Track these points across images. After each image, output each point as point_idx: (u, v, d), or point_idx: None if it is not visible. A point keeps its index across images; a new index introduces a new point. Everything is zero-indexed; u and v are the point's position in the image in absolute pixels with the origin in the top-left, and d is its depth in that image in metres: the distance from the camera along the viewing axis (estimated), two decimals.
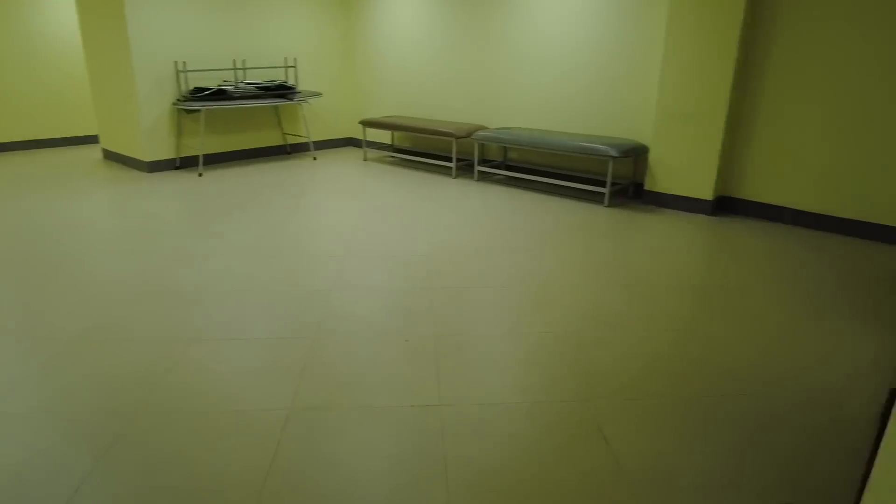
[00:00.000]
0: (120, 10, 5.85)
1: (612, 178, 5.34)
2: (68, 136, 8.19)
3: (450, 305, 3.00)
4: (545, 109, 5.92)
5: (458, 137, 6.02)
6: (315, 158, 7.29)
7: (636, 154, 4.98)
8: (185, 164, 6.58)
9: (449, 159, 6.68)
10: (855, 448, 1.91)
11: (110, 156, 7.07)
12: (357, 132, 8.23)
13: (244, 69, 6.80)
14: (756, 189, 4.68)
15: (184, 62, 6.31)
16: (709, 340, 2.65)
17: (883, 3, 3.84)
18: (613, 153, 4.79)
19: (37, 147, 7.93)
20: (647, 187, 5.09)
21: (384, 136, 7.78)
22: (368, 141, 7.95)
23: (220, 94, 6.20)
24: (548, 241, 4.09)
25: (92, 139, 8.43)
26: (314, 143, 7.80)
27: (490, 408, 2.12)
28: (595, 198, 5.32)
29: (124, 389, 2.23)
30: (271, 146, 7.41)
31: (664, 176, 4.95)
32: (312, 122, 7.75)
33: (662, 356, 2.51)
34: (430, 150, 7.20)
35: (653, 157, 4.97)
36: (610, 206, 5.06)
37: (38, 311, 2.92)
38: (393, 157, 7.40)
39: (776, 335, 2.71)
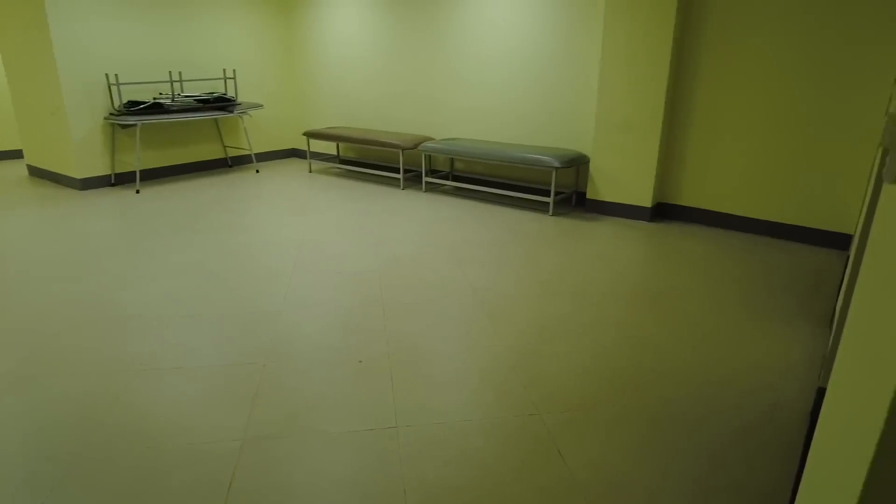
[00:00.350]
0: (42, 18, 5.56)
1: (556, 188, 5.49)
2: None
3: (402, 321, 3.01)
4: (490, 120, 6.02)
5: (404, 149, 6.04)
6: (258, 171, 7.14)
7: (578, 164, 5.14)
8: (120, 180, 6.31)
9: (396, 170, 6.68)
10: (792, 446, 2.04)
11: (37, 172, 6.70)
12: (301, 143, 8.11)
13: (181, 81, 6.59)
14: (691, 195, 4.92)
15: (115, 74, 6.06)
16: (652, 346, 2.77)
17: (797, 22, 4.12)
18: (556, 164, 4.93)
19: None
20: (589, 196, 5.25)
21: (329, 147, 7.71)
22: (313, 152, 7.85)
23: (156, 108, 5.99)
24: (496, 251, 4.16)
25: (15, 154, 7.96)
26: (256, 155, 7.64)
27: (446, 427, 2.15)
28: (540, 207, 5.45)
29: (65, 426, 2.13)
30: (212, 159, 7.20)
31: (605, 185, 5.12)
32: (254, 133, 7.60)
33: (610, 365, 2.60)
34: (376, 160, 7.19)
35: (593, 166, 5.14)
36: (554, 214, 5.20)
37: None
38: (339, 168, 7.34)
39: (713, 337, 2.86)
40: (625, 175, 4.99)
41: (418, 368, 2.56)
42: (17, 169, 7.19)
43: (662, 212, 5.11)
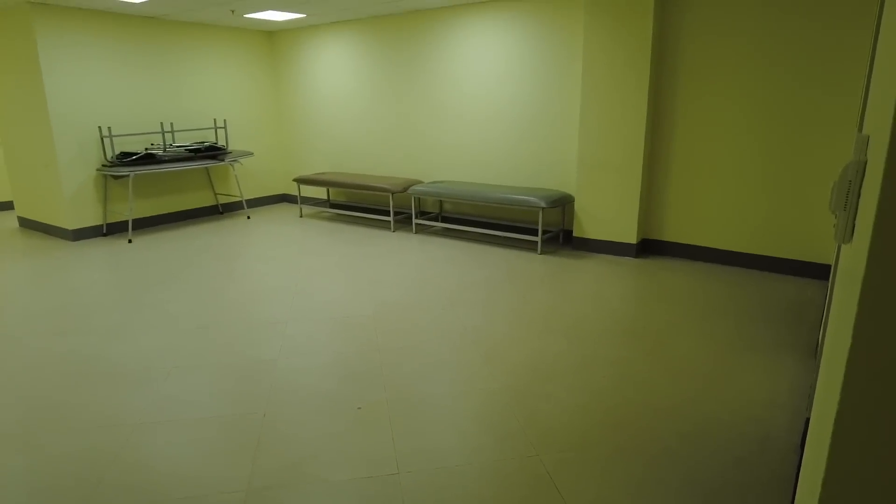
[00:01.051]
0: (36, 72, 5.69)
1: (543, 227, 5.62)
2: None
3: (398, 367, 3.06)
4: (476, 162, 6.19)
5: (394, 192, 6.17)
6: (249, 217, 7.22)
7: (563, 203, 5.28)
8: (112, 230, 6.35)
9: (386, 213, 6.79)
10: (784, 478, 2.10)
11: (28, 224, 6.72)
12: (291, 188, 8.23)
13: (172, 132, 6.72)
14: (675, 230, 5.06)
15: (108, 127, 6.17)
16: (644, 383, 2.84)
17: (768, 63, 4.36)
18: (542, 204, 5.07)
19: None
20: (575, 234, 5.39)
21: (319, 192, 7.83)
22: (303, 197, 7.96)
23: (148, 158, 6.09)
24: (487, 291, 4.24)
25: (6, 205, 7.99)
26: (248, 201, 7.74)
27: (446, 471, 2.18)
28: (529, 246, 5.57)
29: (64, 488, 2.13)
30: (203, 207, 7.28)
31: (590, 223, 5.26)
32: (245, 180, 7.71)
33: (604, 403, 2.66)
34: (366, 204, 7.30)
35: (578, 205, 5.29)
36: (543, 253, 5.31)
37: None
38: (329, 212, 7.44)
39: (703, 372, 2.93)
40: (609, 213, 5.14)
41: (416, 413, 2.59)
42: (8, 221, 7.21)
43: (648, 247, 5.24)
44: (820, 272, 4.43)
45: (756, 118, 4.47)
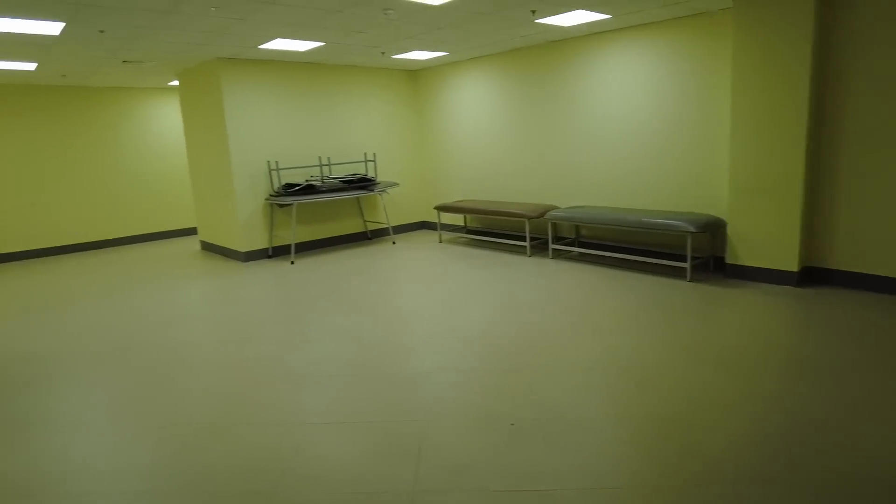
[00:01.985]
0: (220, 115, 6.60)
1: (693, 252, 5.37)
2: (170, 229, 9.04)
3: (547, 388, 3.10)
4: (615, 186, 6.10)
5: (530, 217, 6.26)
6: (394, 242, 7.70)
7: (713, 228, 5.03)
8: (276, 252, 7.11)
9: (521, 238, 6.90)
10: None
11: (208, 247, 7.73)
12: (430, 215, 8.65)
13: (329, 165, 7.42)
14: (844, 257, 4.59)
15: (276, 161, 6.96)
16: (811, 419, 2.61)
17: None
18: (691, 228, 4.86)
19: (142, 241, 8.77)
20: (729, 261, 5.08)
21: (457, 219, 8.14)
22: (443, 224, 8.33)
23: (309, 189, 6.76)
24: (632, 319, 4.15)
25: (190, 231, 9.25)
26: (392, 227, 8.26)
27: (607, 492, 2.17)
28: (675, 273, 5.35)
29: (259, 471, 2.43)
30: (354, 233, 7.90)
31: (745, 249, 4.94)
32: (390, 208, 8.25)
33: (773, 438, 2.49)
34: (502, 229, 7.47)
35: (731, 230, 5.00)
36: (692, 280, 5.07)
37: (166, 397, 3.23)
38: (466, 237, 7.71)
39: (882, 411, 2.63)
40: (766, 238, 4.80)
41: (570, 433, 2.61)
42: (193, 244, 8.34)
43: (811, 276, 4.80)
44: None
45: None
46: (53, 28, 4.55)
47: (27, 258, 7.84)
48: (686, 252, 5.06)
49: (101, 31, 4.77)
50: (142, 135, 8.66)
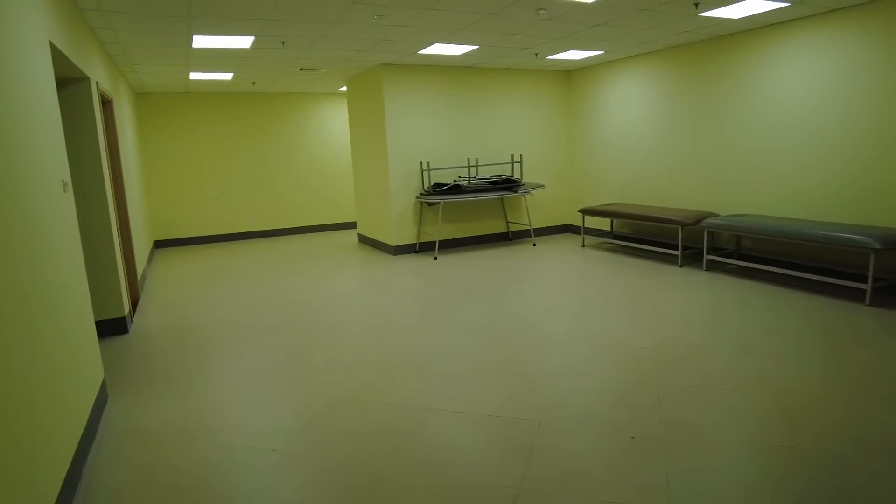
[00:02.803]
0: (381, 117, 7.08)
1: (875, 273, 4.62)
2: (333, 223, 9.92)
3: (678, 404, 2.88)
4: (784, 194, 5.45)
5: (684, 224, 5.83)
6: (535, 245, 7.66)
7: None
8: (422, 248, 7.45)
9: (671, 246, 6.45)
10: None
11: (364, 239, 8.34)
12: (575, 219, 8.45)
13: (477, 166, 7.59)
14: None
15: (427, 162, 7.30)
16: None
17: None
18: (875, 244, 4.19)
19: (308, 231, 9.73)
20: None
21: (603, 223, 7.86)
22: (587, 228, 8.10)
23: (455, 189, 6.99)
24: (791, 341, 3.69)
25: (350, 225, 10.05)
26: (534, 230, 8.22)
27: None
28: (852, 295, 4.65)
29: (378, 447, 2.59)
30: (496, 233, 8.00)
31: None
32: (533, 210, 8.21)
33: None
34: (651, 236, 7.06)
35: None
36: (872, 304, 4.37)
37: (308, 371, 3.56)
38: (612, 243, 7.41)
39: None
40: None
41: (696, 454, 2.41)
42: (352, 237, 9.06)
43: None
44: None
45: None
46: (245, 42, 5.24)
47: (210, 242, 9.10)
48: (868, 272, 4.36)
49: (283, 43, 5.38)
50: (311, 136, 9.59)
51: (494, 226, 8.00)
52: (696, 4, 4.59)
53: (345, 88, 9.02)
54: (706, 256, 5.79)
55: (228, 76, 7.24)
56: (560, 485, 2.25)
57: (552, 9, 4.57)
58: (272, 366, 3.68)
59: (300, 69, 6.94)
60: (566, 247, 7.41)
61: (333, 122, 9.73)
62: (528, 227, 8.17)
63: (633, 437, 2.58)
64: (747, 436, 2.55)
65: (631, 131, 7.21)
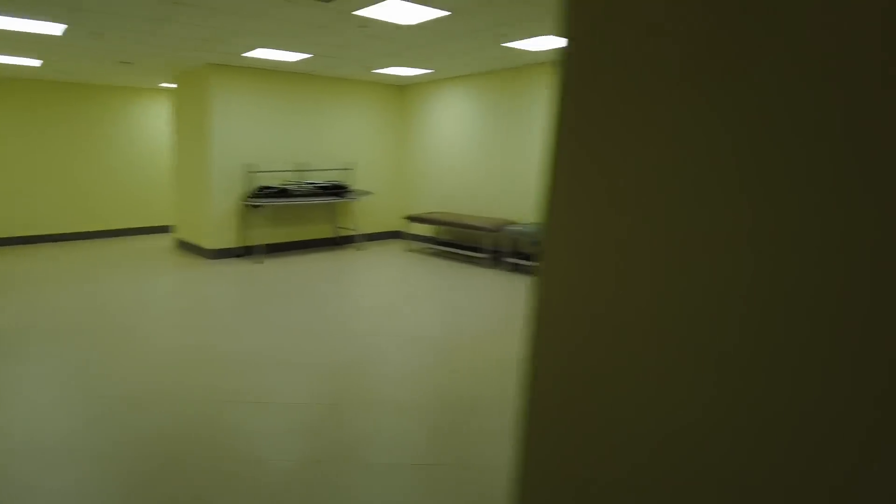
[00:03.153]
0: (208, 122, 6.88)
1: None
2: (147, 225, 9.28)
3: (458, 383, 3.31)
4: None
5: (489, 231, 6.50)
6: (359, 249, 7.93)
7: None
8: (247, 252, 7.33)
9: (483, 250, 7.13)
10: None
11: (181, 244, 7.95)
12: (404, 225, 8.90)
13: (308, 171, 7.68)
14: None
15: (255, 164, 7.23)
16: None
17: None
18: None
19: (117, 235, 9.01)
20: None
21: (429, 230, 8.39)
22: (414, 234, 8.57)
23: (283, 193, 7.02)
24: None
25: (164, 228, 9.45)
26: (364, 235, 8.49)
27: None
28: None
29: (170, 437, 2.63)
30: (325, 238, 8.13)
31: None
32: (363, 217, 8.49)
33: None
34: (467, 242, 7.71)
35: None
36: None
37: (101, 372, 3.43)
38: (434, 248, 7.94)
39: None
40: None
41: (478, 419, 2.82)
42: (168, 240, 8.57)
43: None
44: None
45: None
46: (56, 29, 4.82)
47: (2, 245, 8.07)
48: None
49: (101, 35, 5.04)
50: (128, 132, 8.93)
51: (323, 231, 8.13)
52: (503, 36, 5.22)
53: (166, 84, 8.56)
54: (506, 259, 6.51)
55: (37, 63, 6.55)
56: (341, 454, 2.50)
57: (373, 27, 4.89)
58: (62, 370, 3.48)
59: (120, 62, 6.51)
60: (392, 251, 7.79)
61: (152, 119, 9.15)
62: (357, 233, 8.42)
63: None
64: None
65: (452, 145, 7.84)
